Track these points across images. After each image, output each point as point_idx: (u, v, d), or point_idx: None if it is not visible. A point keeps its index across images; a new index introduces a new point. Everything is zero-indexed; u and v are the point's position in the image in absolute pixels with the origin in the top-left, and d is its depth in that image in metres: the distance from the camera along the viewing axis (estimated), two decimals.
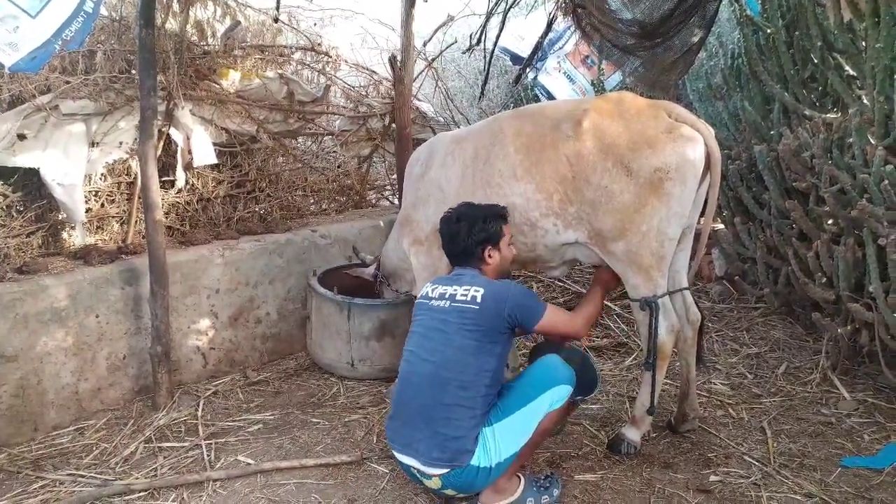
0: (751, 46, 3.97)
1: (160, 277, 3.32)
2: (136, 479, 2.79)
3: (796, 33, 3.72)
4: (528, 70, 6.71)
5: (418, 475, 2.47)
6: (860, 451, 2.86)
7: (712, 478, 2.72)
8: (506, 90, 7.95)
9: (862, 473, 2.70)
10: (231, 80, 4.12)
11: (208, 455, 2.95)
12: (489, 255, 2.65)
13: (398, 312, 3.67)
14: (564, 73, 6.82)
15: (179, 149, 3.81)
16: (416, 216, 3.30)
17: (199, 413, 3.32)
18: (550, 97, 6.76)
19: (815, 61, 3.62)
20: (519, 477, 2.59)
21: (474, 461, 2.39)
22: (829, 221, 3.43)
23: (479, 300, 2.47)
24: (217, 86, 4.06)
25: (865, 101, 3.23)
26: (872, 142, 3.13)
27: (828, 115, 3.49)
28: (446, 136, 3.36)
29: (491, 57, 5.75)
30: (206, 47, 4.12)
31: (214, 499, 2.66)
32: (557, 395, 2.48)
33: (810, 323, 3.73)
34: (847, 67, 3.42)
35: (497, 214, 2.69)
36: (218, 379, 3.70)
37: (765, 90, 3.91)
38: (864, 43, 3.28)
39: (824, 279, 3.49)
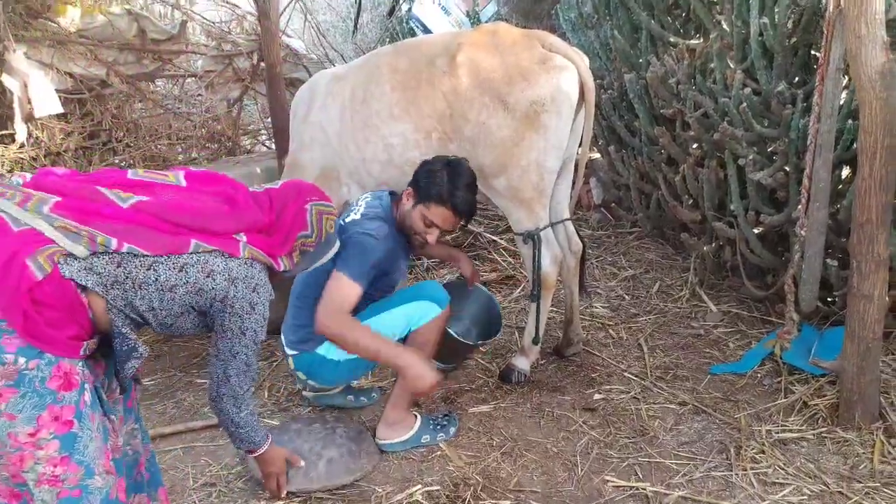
0: None
1: None
2: None
3: None
4: (401, 2, 6.50)
5: (285, 355, 2.61)
6: (726, 358, 3.10)
7: (596, 396, 2.87)
8: (380, 24, 7.69)
9: (728, 379, 2.93)
10: (70, 17, 3.69)
11: None
12: (406, 198, 2.48)
13: None
14: (439, 4, 6.66)
15: (16, 98, 3.40)
16: (303, 160, 3.15)
17: None
18: (426, 30, 6.61)
19: None
20: (415, 415, 2.61)
21: (321, 351, 2.48)
22: (694, 145, 3.60)
23: (348, 220, 2.44)
24: (54, 24, 3.63)
25: (725, 26, 3.36)
26: (732, 66, 3.28)
27: (691, 42, 3.61)
28: (327, 74, 3.19)
29: None
30: None
31: None
32: (421, 311, 2.46)
33: (680, 243, 3.96)
34: None
35: (452, 193, 2.40)
36: None
37: (633, 18, 3.98)
38: None
39: (691, 201, 3.69)
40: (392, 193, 2.61)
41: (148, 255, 1.65)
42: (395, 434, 2.56)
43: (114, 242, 1.61)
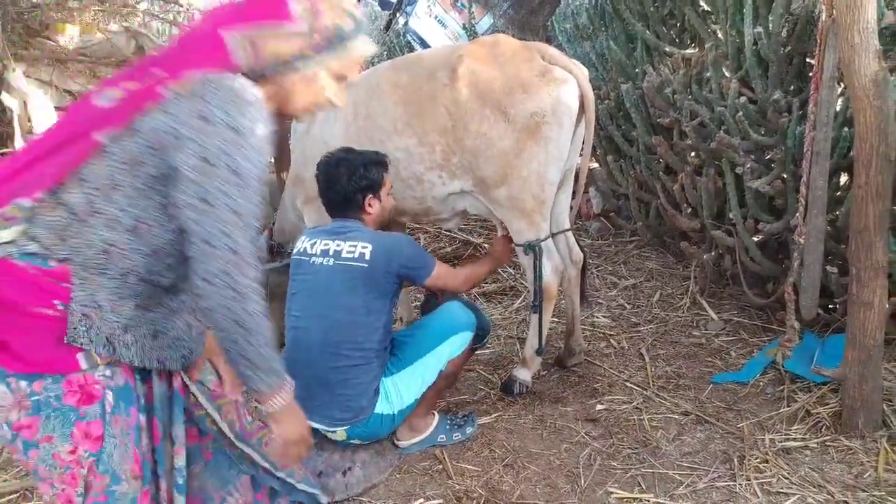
0: None
1: None
2: (6, 480, 2.56)
3: None
4: (397, 15, 6.53)
5: (323, 433, 2.47)
6: (728, 367, 3.10)
7: (598, 407, 2.86)
8: (377, 37, 7.72)
9: (730, 388, 2.93)
10: (69, 36, 3.72)
11: None
12: (369, 205, 2.52)
13: (282, 277, 3.53)
14: (436, 17, 6.69)
15: (16, 116, 3.41)
16: (306, 174, 3.16)
17: None
18: (424, 44, 6.64)
19: None
20: (434, 414, 2.66)
21: (377, 410, 2.42)
22: (692, 154, 3.62)
23: (367, 257, 2.39)
24: (53, 43, 3.65)
25: (720, 35, 3.38)
26: (727, 75, 3.30)
27: (686, 51, 3.64)
28: None
29: (358, 2, 5.53)
30: (34, 0, 3.68)
31: None
32: (458, 342, 2.53)
33: (679, 252, 3.96)
34: (702, 3, 3.56)
35: (378, 161, 2.55)
36: None
37: (628, 29, 4.01)
38: None
39: (689, 210, 3.70)
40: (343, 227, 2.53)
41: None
42: (412, 434, 2.60)
43: (26, 201, 1.35)
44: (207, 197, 1.32)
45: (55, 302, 1.38)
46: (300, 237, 2.61)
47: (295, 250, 2.58)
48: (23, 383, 1.40)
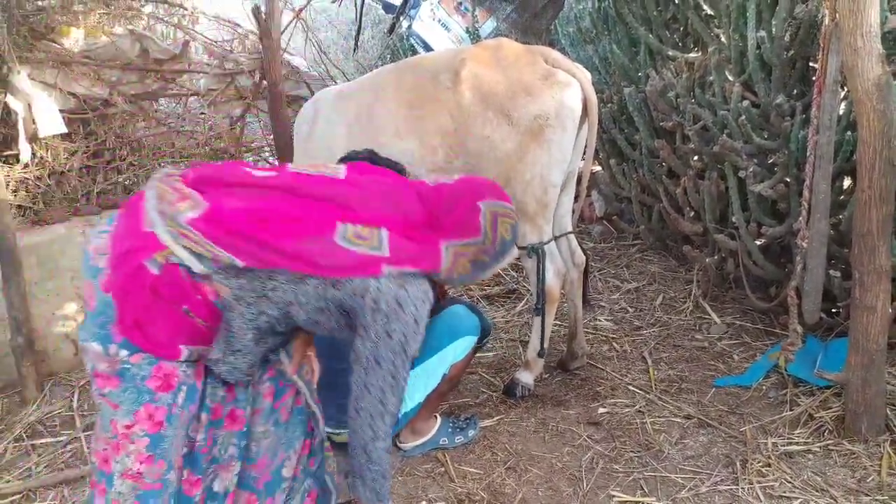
0: None
1: (12, 263, 3.01)
2: (8, 481, 2.57)
3: None
4: (401, 19, 6.55)
5: (328, 434, 2.45)
6: (731, 371, 3.10)
7: (601, 410, 2.86)
8: (381, 41, 7.75)
9: (733, 391, 2.93)
10: (74, 38, 3.73)
11: (88, 447, 2.75)
12: None
13: None
14: (439, 20, 6.72)
15: (20, 118, 3.42)
16: None
17: (75, 404, 3.09)
18: (427, 47, 6.66)
19: (676, 2, 3.74)
20: (436, 417, 2.66)
21: None
22: (695, 158, 3.61)
23: None
24: (58, 46, 3.66)
25: (723, 39, 3.38)
26: (730, 79, 3.30)
27: (689, 55, 3.64)
28: (330, 92, 3.22)
29: (362, 6, 5.56)
30: (39, 3, 3.69)
31: None
32: (462, 346, 2.52)
33: (682, 255, 3.96)
34: (705, 7, 3.56)
35: (396, 169, 2.56)
36: None
37: (631, 33, 4.01)
38: None
39: (692, 213, 3.70)
40: None
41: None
42: (414, 437, 2.61)
43: (239, 262, 1.56)
44: (378, 357, 1.63)
45: (184, 307, 1.58)
46: None
47: None
48: (123, 352, 1.58)
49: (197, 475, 1.76)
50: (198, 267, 1.54)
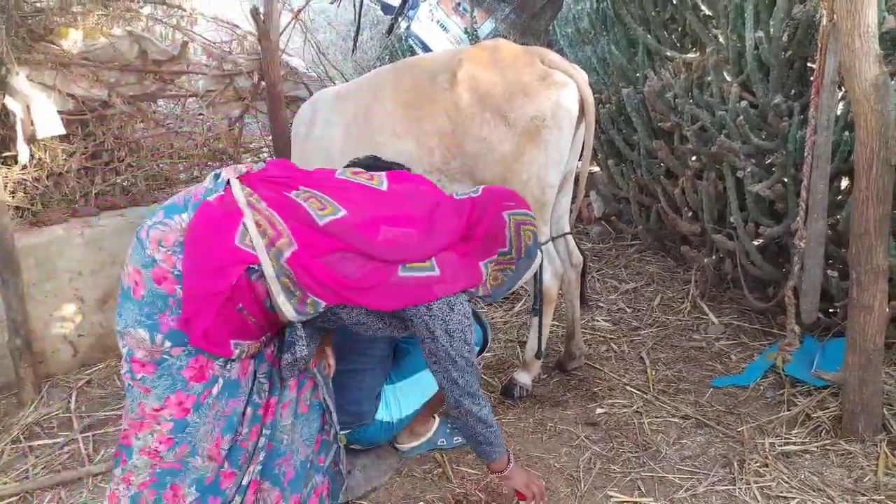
0: None
1: (9, 264, 3.01)
2: (6, 483, 2.57)
3: None
4: (400, 20, 6.55)
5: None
6: (728, 371, 3.10)
7: (598, 410, 2.86)
8: (379, 42, 7.75)
9: (731, 392, 2.93)
10: (72, 40, 3.72)
11: (86, 449, 2.76)
12: None
13: None
14: (437, 21, 6.72)
15: (19, 120, 3.42)
16: None
17: (72, 405, 3.09)
18: (425, 48, 6.66)
19: (674, 2, 3.75)
20: (434, 418, 2.66)
21: (377, 417, 2.44)
22: (693, 158, 3.61)
23: None
24: (56, 47, 3.66)
25: (721, 39, 3.39)
26: (728, 79, 3.30)
27: (687, 56, 3.64)
28: (329, 93, 3.22)
29: (361, 7, 5.56)
30: (38, 4, 3.69)
31: (96, 494, 2.49)
32: None
33: (680, 255, 3.96)
34: (703, 7, 3.56)
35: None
36: (90, 367, 3.44)
37: (629, 33, 4.01)
38: None
39: (690, 213, 3.70)
40: None
41: None
42: (412, 438, 2.60)
43: (322, 304, 1.76)
44: (450, 354, 1.89)
45: (239, 306, 1.71)
46: None
47: None
48: (168, 343, 1.68)
49: (233, 468, 1.84)
50: (289, 311, 1.73)
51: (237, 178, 1.78)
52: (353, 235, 1.75)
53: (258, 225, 1.70)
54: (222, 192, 1.75)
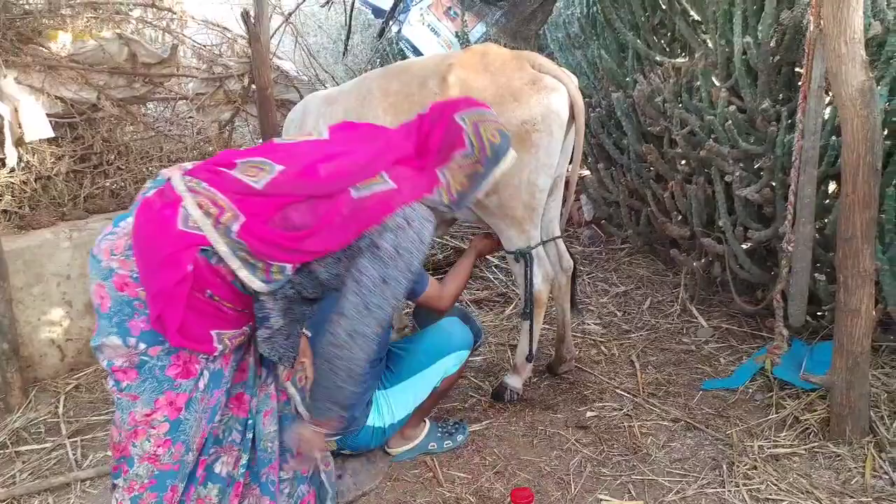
0: None
1: None
2: None
3: None
4: (391, 23, 6.56)
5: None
6: (718, 373, 3.11)
7: (589, 414, 2.86)
8: (370, 45, 7.75)
9: (720, 394, 2.94)
10: (61, 42, 3.71)
11: (74, 454, 2.74)
12: None
13: None
14: (428, 25, 6.72)
15: (6, 122, 3.40)
16: None
17: (60, 410, 3.07)
18: (416, 51, 6.66)
19: (663, 7, 3.77)
20: (425, 422, 2.66)
21: (368, 422, 2.44)
22: (682, 162, 3.64)
23: None
24: (45, 50, 3.64)
25: (710, 44, 3.41)
26: (717, 84, 3.33)
27: (677, 60, 3.66)
28: (318, 97, 3.22)
29: (352, 10, 5.56)
30: (27, 6, 3.67)
31: (84, 499, 2.47)
32: (454, 361, 2.54)
33: (670, 259, 3.98)
34: (692, 12, 3.59)
35: None
36: (79, 371, 3.42)
37: (619, 38, 4.03)
38: None
39: (680, 217, 3.72)
40: None
41: None
42: (403, 442, 2.60)
43: (288, 268, 1.68)
44: (386, 276, 1.67)
45: (207, 291, 1.66)
46: None
47: None
48: (142, 345, 1.65)
49: (203, 456, 1.83)
50: (257, 284, 1.65)
51: (181, 172, 1.74)
52: (293, 186, 1.68)
53: (200, 206, 1.64)
54: (162, 187, 1.71)
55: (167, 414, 1.70)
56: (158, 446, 1.70)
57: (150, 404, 1.69)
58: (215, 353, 1.72)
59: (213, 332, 1.70)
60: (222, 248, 1.62)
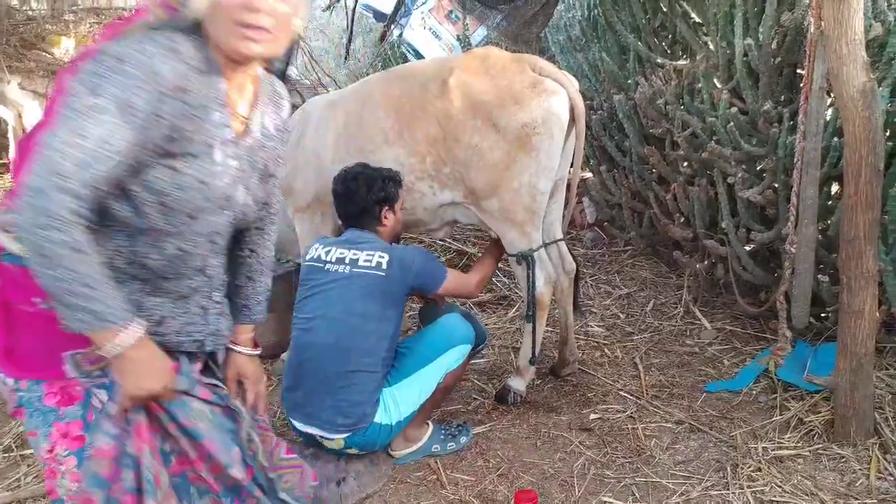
0: None
1: None
2: None
3: None
4: (392, 27, 6.58)
5: (320, 440, 2.47)
6: (721, 375, 3.11)
7: (592, 416, 2.86)
8: (372, 49, 7.77)
9: (724, 396, 2.94)
10: (64, 48, 3.73)
11: None
12: (385, 217, 2.61)
13: (277, 288, 3.52)
14: (430, 29, 6.75)
15: (10, 127, 3.42)
16: (297, 185, 3.18)
17: None
18: (418, 55, 6.68)
19: (665, 9, 3.77)
20: (428, 424, 2.66)
21: (376, 419, 2.44)
22: (684, 164, 3.64)
23: (384, 266, 2.44)
24: (48, 55, 3.66)
25: (711, 46, 3.41)
26: (718, 86, 3.33)
27: (678, 63, 3.67)
28: (320, 101, 3.24)
29: (353, 14, 5.58)
30: (30, 12, 3.70)
31: None
32: (457, 355, 2.55)
33: (673, 261, 3.98)
34: (693, 14, 3.59)
35: (394, 177, 2.64)
36: None
37: (620, 40, 4.04)
38: None
39: (682, 219, 3.72)
40: (358, 238, 2.58)
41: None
42: (406, 444, 2.61)
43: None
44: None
45: (35, 300, 1.42)
46: (314, 245, 2.64)
47: (308, 257, 2.62)
48: (10, 380, 1.48)
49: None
50: (15, 246, 1.38)
51: None
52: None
53: None
54: None
55: (66, 447, 1.49)
56: (75, 481, 1.49)
57: (47, 439, 1.49)
58: (66, 375, 1.46)
59: (65, 355, 1.43)
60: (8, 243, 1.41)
